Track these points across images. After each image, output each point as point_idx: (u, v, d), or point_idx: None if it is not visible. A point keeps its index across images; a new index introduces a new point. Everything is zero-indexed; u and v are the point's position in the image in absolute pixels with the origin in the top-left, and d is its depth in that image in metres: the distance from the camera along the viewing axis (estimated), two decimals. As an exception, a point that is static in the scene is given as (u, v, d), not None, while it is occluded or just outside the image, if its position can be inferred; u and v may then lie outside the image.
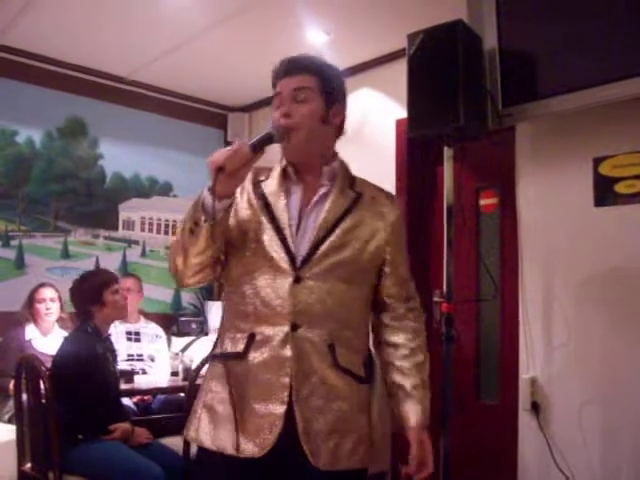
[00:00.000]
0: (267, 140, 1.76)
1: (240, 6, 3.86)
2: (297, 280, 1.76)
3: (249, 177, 1.89)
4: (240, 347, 1.79)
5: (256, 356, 1.76)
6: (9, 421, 3.81)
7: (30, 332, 4.16)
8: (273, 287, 1.77)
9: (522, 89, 3.24)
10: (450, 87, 3.14)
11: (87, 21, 4.13)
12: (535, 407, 3.51)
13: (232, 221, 1.83)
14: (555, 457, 3.36)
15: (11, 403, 3.68)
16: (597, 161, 3.32)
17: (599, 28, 2.99)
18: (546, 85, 3.17)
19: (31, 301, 4.24)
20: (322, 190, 1.88)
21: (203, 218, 1.68)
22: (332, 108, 1.88)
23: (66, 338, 3.53)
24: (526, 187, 3.67)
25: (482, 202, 4.09)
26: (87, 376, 3.14)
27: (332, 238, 1.80)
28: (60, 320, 4.30)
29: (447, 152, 3.37)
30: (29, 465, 3.22)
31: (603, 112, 3.17)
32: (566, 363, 3.42)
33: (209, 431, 1.80)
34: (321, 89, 1.85)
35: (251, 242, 1.82)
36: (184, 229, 1.73)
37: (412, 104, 3.30)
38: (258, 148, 1.72)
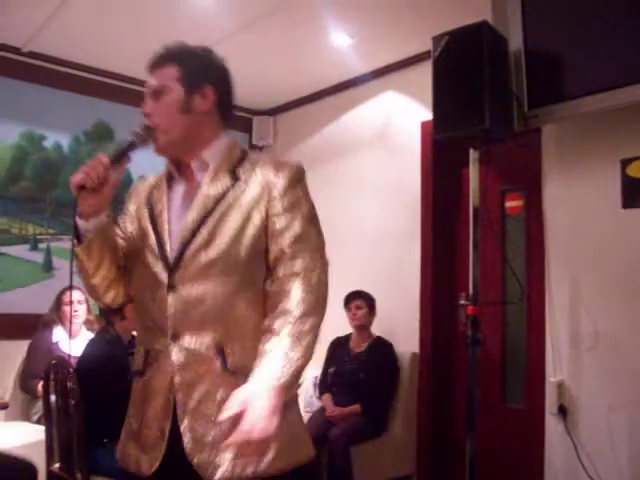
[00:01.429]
0: (128, 147, 1.71)
1: (265, 10, 3.88)
2: (171, 288, 1.67)
3: (146, 185, 1.92)
4: (140, 364, 1.76)
5: (150, 373, 1.72)
6: (38, 422, 3.85)
7: (57, 334, 4.20)
8: (155, 299, 1.70)
9: (548, 90, 3.22)
10: (475, 89, 3.12)
11: (113, 26, 4.17)
12: (562, 411, 3.48)
13: (124, 235, 1.84)
14: (583, 461, 3.32)
15: (39, 404, 3.72)
16: (625, 162, 3.29)
17: (625, 28, 2.96)
18: (572, 86, 3.15)
19: (59, 304, 4.28)
20: (195, 182, 1.79)
21: (75, 241, 1.68)
22: (196, 94, 1.76)
23: (91, 340, 3.57)
24: (552, 189, 3.64)
25: (508, 204, 4.07)
26: (110, 377, 3.17)
27: (199, 236, 1.68)
28: (87, 322, 4.34)
29: (473, 154, 3.36)
30: (57, 465, 3.24)
31: (630, 113, 3.14)
32: (594, 367, 3.39)
33: (120, 448, 1.80)
34: (180, 76, 1.75)
35: (138, 254, 1.78)
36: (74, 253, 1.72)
37: (438, 106, 3.29)
38: (119, 157, 1.67)
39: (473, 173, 3.36)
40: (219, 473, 1.60)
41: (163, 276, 1.69)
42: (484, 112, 3.10)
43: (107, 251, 1.73)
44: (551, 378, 3.57)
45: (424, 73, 3.59)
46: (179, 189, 1.82)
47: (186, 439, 1.63)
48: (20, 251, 4.69)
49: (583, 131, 3.44)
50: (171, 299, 1.67)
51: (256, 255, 1.70)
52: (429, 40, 3.33)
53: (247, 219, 1.69)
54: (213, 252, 1.67)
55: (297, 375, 1.58)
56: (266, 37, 4.26)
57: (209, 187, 1.74)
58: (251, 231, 1.69)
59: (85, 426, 3.07)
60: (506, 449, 3.78)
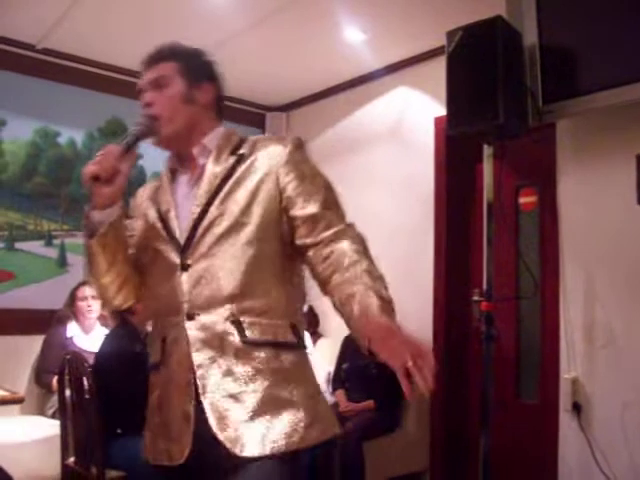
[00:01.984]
0: (135, 138, 1.75)
1: (277, 6, 3.87)
2: (184, 268, 1.68)
3: (147, 189, 1.94)
4: (157, 356, 1.76)
5: (169, 360, 1.71)
6: (52, 416, 3.88)
7: (72, 330, 4.23)
8: (169, 282, 1.71)
9: (563, 85, 3.20)
10: (490, 84, 3.11)
11: (126, 23, 4.18)
12: (576, 407, 3.47)
13: (133, 233, 1.85)
14: (597, 458, 3.31)
15: (54, 399, 3.75)
16: (640, 158, 3.27)
17: (642, 23, 2.94)
18: (587, 81, 3.13)
19: (73, 299, 4.30)
20: (199, 168, 1.80)
21: (88, 235, 1.68)
22: (197, 87, 1.82)
23: (107, 335, 3.59)
24: (567, 185, 3.63)
25: (522, 200, 4.05)
26: (128, 372, 3.18)
27: (209, 213, 1.70)
28: (101, 318, 4.36)
29: (487, 150, 3.34)
30: (72, 459, 3.27)
31: (646, 107, 3.12)
32: (608, 363, 3.37)
33: (150, 448, 1.80)
34: (181, 71, 1.81)
35: (147, 246, 1.80)
36: (85, 255, 1.74)
37: (452, 102, 3.28)
38: (128, 148, 1.71)
39: (487, 169, 3.35)
40: (248, 449, 1.58)
41: (175, 257, 1.70)
42: (498, 107, 3.08)
43: (121, 245, 1.74)
44: (565, 374, 3.55)
45: (438, 68, 3.58)
46: (183, 180, 1.84)
47: (210, 418, 1.60)
48: (35, 247, 4.71)
49: (598, 126, 3.42)
50: (184, 277, 1.67)
51: (269, 226, 1.70)
52: (443, 35, 3.32)
53: (256, 191, 1.70)
54: (223, 226, 1.68)
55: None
56: (278, 33, 4.26)
57: (214, 166, 1.76)
58: (262, 203, 1.69)
59: (101, 420, 3.08)
60: (520, 445, 3.78)
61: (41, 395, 4.13)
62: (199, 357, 1.64)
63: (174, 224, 1.74)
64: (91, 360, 3.33)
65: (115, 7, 3.96)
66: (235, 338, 1.64)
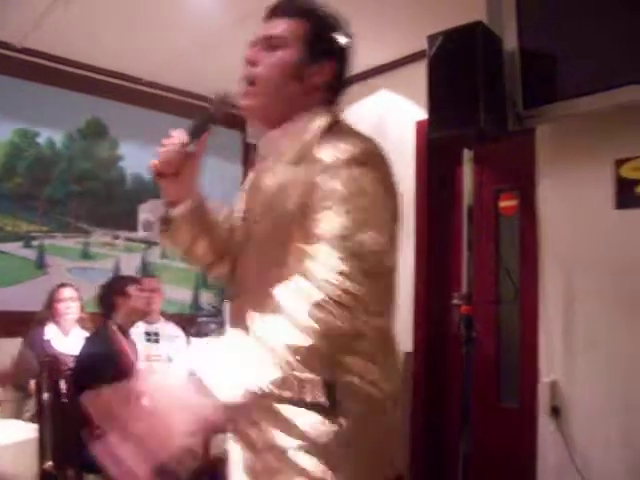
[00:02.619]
0: (208, 119, 1.51)
1: (261, 6, 3.86)
2: (234, 297, 1.62)
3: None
4: None
5: None
6: (30, 420, 3.84)
7: (50, 332, 4.19)
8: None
9: (543, 90, 3.22)
10: (470, 89, 3.12)
11: (107, 23, 4.15)
12: (555, 411, 3.49)
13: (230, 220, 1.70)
14: (576, 462, 3.33)
15: (31, 402, 3.72)
16: (618, 163, 3.29)
17: (620, 29, 2.96)
18: (567, 86, 3.15)
19: (51, 301, 4.28)
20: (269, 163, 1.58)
21: (160, 227, 1.60)
22: (313, 63, 1.52)
23: (87, 338, 3.57)
24: (546, 189, 3.65)
25: (502, 204, 4.07)
26: (107, 376, 3.16)
27: (254, 217, 1.55)
28: (80, 320, 4.33)
29: (467, 154, 3.36)
30: (50, 463, 3.24)
31: (624, 114, 3.14)
32: (587, 367, 3.39)
33: None
34: (305, 36, 1.52)
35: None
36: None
37: (432, 106, 3.29)
38: (197, 132, 1.49)
39: (467, 173, 3.36)
40: None
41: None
42: (478, 112, 3.10)
43: (200, 234, 1.62)
44: (544, 378, 3.57)
45: (419, 72, 3.58)
46: (258, 168, 1.63)
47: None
48: (13, 248, 4.67)
49: (577, 131, 3.45)
50: (232, 308, 1.61)
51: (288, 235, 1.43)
52: (424, 39, 3.33)
53: (284, 198, 1.45)
54: (254, 231, 1.53)
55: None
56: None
57: (270, 173, 1.54)
58: (293, 208, 1.42)
59: (79, 424, 3.06)
60: (500, 449, 3.79)
61: (18, 399, 4.08)
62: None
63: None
64: (69, 363, 3.30)
65: (97, 7, 3.94)
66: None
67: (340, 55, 1.59)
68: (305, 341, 1.19)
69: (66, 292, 4.28)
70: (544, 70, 3.22)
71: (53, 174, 4.84)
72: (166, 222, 1.59)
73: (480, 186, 3.38)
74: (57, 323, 4.25)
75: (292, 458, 1.36)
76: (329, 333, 1.21)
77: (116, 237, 5.17)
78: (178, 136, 1.48)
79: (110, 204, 5.13)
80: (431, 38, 3.29)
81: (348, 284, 1.23)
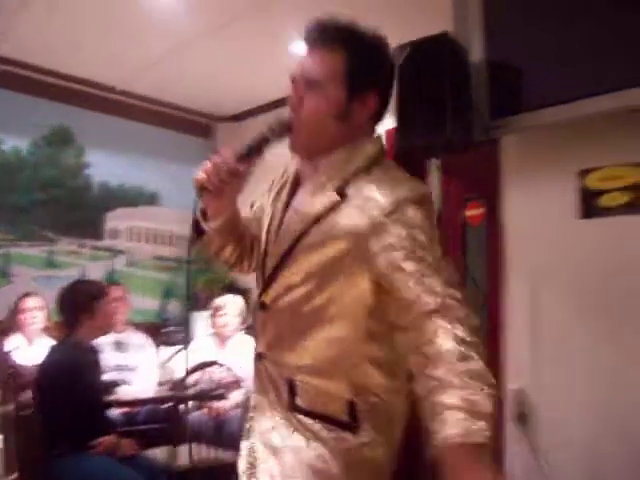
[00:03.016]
0: (261, 142, 1.50)
1: (230, 16, 3.87)
2: (262, 306, 1.53)
3: (278, 178, 1.67)
4: None
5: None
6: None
7: (15, 341, 4.13)
8: (257, 305, 1.58)
9: (509, 101, 3.26)
10: (438, 99, 3.15)
11: (74, 29, 4.13)
12: (522, 418, 3.52)
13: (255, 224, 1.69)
14: (542, 467, 3.36)
15: (-5, 413, 3.65)
16: (583, 173, 3.34)
17: (587, 41, 3.01)
18: (533, 97, 3.18)
19: (16, 310, 4.22)
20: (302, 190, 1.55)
21: (194, 235, 1.61)
22: (357, 100, 1.48)
23: (52, 348, 3.51)
24: (512, 199, 3.68)
25: (469, 213, 4.10)
26: (72, 387, 3.12)
27: (291, 256, 1.46)
28: (45, 329, 4.28)
29: (434, 163, 3.38)
30: (15, 475, 3.18)
31: (589, 124, 3.18)
32: (553, 375, 3.43)
33: None
34: (346, 74, 1.46)
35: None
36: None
37: (401, 115, 3.31)
38: (249, 154, 1.48)
39: (434, 182, 3.39)
40: None
41: (259, 293, 1.57)
42: (446, 122, 3.12)
43: (228, 243, 1.65)
44: (511, 385, 3.60)
45: (387, 82, 3.61)
46: (300, 190, 1.57)
47: (251, 462, 1.55)
48: (-23, 257, 4.61)
49: (543, 142, 3.49)
50: (262, 317, 1.54)
51: (354, 295, 1.44)
52: (392, 49, 3.35)
53: (347, 249, 1.41)
54: (289, 279, 1.47)
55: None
56: (230, 43, 4.26)
57: (311, 200, 1.48)
58: (350, 263, 1.41)
59: (45, 436, 3.02)
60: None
61: (-19, 409, 4.02)
62: (258, 401, 1.57)
63: (266, 252, 1.57)
64: (34, 373, 3.26)
65: (65, 12, 3.92)
66: (285, 396, 1.50)
67: (383, 83, 1.55)
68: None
69: (31, 301, 4.22)
70: (510, 81, 3.26)
71: (18, 181, 4.78)
72: (199, 232, 1.60)
73: (447, 195, 3.40)
74: (22, 332, 4.19)
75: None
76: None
77: (82, 245, 5.12)
78: (226, 154, 1.48)
79: (76, 212, 5.08)
80: (399, 48, 3.31)
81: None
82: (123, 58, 4.57)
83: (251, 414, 1.58)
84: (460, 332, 1.33)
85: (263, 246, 1.58)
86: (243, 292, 5.07)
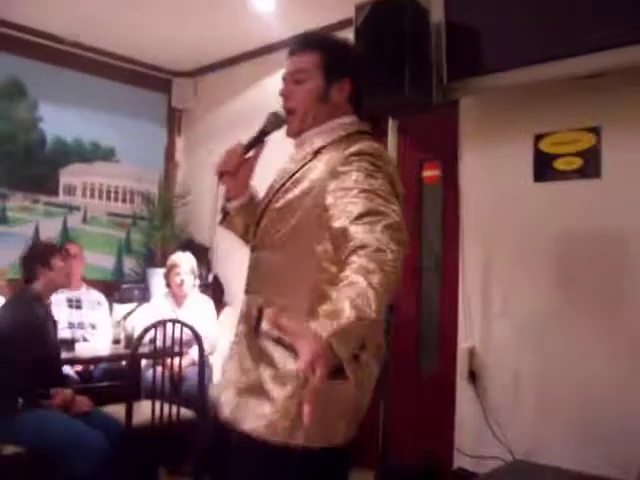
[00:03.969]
0: (261, 134, 1.89)
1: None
2: (252, 249, 1.87)
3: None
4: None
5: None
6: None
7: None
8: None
9: (467, 63, 3.28)
10: (396, 59, 3.15)
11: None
12: (472, 376, 3.60)
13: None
14: (491, 426, 3.45)
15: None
16: (538, 137, 3.39)
17: (544, 6, 3.03)
18: (491, 60, 3.21)
19: (-33, 267, 4.15)
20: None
21: (221, 216, 1.99)
22: (335, 84, 1.82)
23: (5, 304, 3.48)
24: (468, 160, 3.72)
25: (425, 174, 4.13)
26: (26, 342, 3.10)
27: (272, 204, 1.80)
28: (-2, 287, 4.23)
29: (392, 124, 3.39)
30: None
31: (545, 89, 3.23)
32: (503, 334, 3.51)
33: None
34: (322, 65, 1.82)
35: None
36: None
37: (359, 75, 3.30)
38: (252, 145, 1.89)
39: (392, 143, 3.40)
40: (228, 415, 1.73)
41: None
42: (404, 82, 3.13)
43: (251, 223, 1.90)
44: (463, 344, 3.68)
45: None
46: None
47: (222, 391, 1.82)
48: None
49: (500, 105, 3.52)
50: (249, 259, 1.87)
51: (312, 227, 1.69)
52: (352, 8, 3.33)
53: (310, 189, 1.71)
54: (272, 217, 1.79)
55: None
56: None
57: (291, 161, 1.85)
58: (310, 201, 1.70)
59: (2, 391, 3.01)
60: (419, 413, 3.89)
61: None
62: (239, 329, 1.84)
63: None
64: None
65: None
66: (253, 323, 1.76)
67: (354, 72, 1.88)
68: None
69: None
70: (469, 43, 3.27)
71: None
72: (224, 213, 1.98)
73: (404, 155, 3.42)
74: (-27, 290, 4.13)
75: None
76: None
77: (35, 201, 5.03)
78: (238, 147, 1.88)
79: (29, 167, 4.98)
80: (359, 7, 3.29)
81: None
82: (78, 9, 4.44)
83: (236, 338, 1.84)
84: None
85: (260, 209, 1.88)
86: (200, 249, 5.06)
